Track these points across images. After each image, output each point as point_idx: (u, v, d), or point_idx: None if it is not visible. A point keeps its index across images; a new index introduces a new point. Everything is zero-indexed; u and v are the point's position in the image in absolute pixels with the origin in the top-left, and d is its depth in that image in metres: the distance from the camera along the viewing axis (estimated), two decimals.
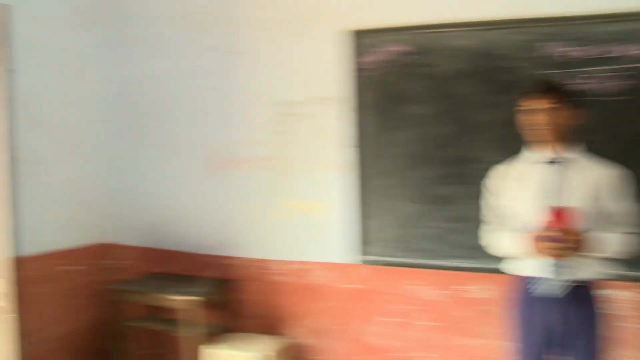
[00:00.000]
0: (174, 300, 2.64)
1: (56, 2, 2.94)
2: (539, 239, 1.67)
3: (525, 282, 1.79)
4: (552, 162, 1.75)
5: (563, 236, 1.63)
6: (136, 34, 3.15)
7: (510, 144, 1.94)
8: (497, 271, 2.04)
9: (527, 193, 1.76)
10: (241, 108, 2.88)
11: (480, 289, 2.43)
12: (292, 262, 2.76)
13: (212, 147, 2.95)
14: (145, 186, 3.16)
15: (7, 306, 2.47)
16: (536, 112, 1.74)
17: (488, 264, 2.19)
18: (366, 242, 2.55)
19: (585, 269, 1.70)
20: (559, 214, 1.66)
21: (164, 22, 3.07)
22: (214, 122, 2.94)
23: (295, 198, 2.75)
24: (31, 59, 2.76)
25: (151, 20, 3.11)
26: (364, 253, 2.56)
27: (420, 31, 2.41)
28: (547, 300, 1.71)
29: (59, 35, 2.95)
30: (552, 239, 1.63)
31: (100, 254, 3.17)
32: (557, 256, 1.65)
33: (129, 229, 3.20)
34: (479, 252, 2.13)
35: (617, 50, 2.09)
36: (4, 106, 2.44)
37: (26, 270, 2.69)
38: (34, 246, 2.76)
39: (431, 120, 2.41)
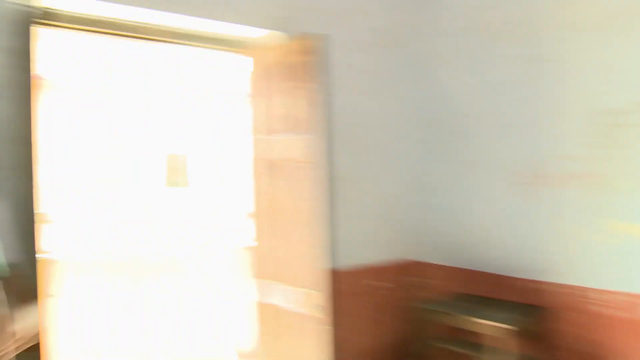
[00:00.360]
0: (482, 324, 2.96)
1: (365, 27, 3.66)
2: None
3: None
4: None
5: None
6: (438, 51, 3.68)
7: None
8: None
9: None
10: (550, 120, 3.07)
11: None
12: (616, 293, 2.82)
13: (519, 163, 3.22)
14: (451, 204, 3.62)
15: (323, 318, 3.05)
16: None
17: None
18: None
19: None
20: None
21: (464, 36, 3.51)
22: (520, 136, 3.21)
23: (621, 219, 2.81)
24: (345, 82, 3.48)
25: (451, 36, 3.59)
26: None
27: None
28: None
29: (367, 58, 3.64)
30: None
31: (406, 271, 3.77)
32: None
33: (434, 247, 3.72)
34: None
35: None
36: (324, 128, 3.10)
37: (340, 284, 3.50)
38: (346, 260, 3.47)
39: None
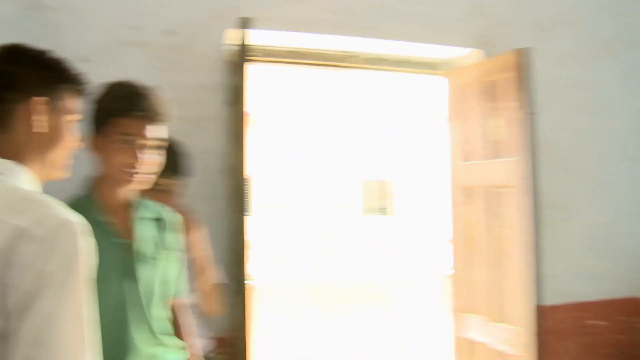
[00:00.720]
0: None
1: (570, 38, 3.35)
2: None
3: None
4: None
5: None
6: None
7: None
8: None
9: None
10: None
11: None
12: None
13: None
14: None
15: (527, 356, 2.79)
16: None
17: None
18: None
19: None
20: None
21: None
22: None
23: None
24: (549, 99, 3.18)
25: None
26: None
27: None
28: None
29: (575, 71, 3.32)
30: None
31: (629, 311, 3.33)
32: None
33: None
34: None
35: None
36: (527, 149, 2.82)
37: (547, 320, 3.16)
38: (554, 295, 3.16)
39: None
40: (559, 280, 3.21)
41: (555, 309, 3.20)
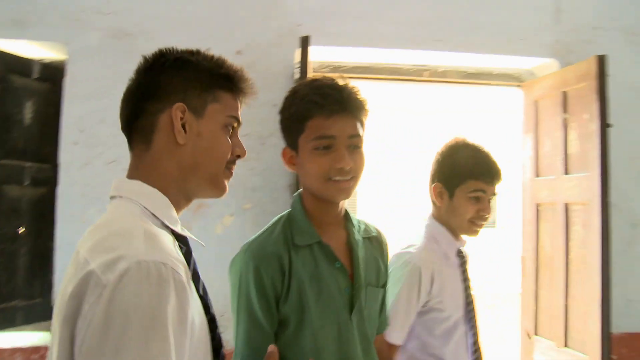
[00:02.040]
0: None
1: None
2: None
3: None
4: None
5: None
6: None
7: None
8: None
9: None
10: None
11: None
12: None
13: None
14: None
15: None
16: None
17: None
18: None
19: None
20: None
21: None
22: None
23: None
24: (629, 109, 3.05)
25: None
26: None
27: None
28: None
29: None
30: None
31: None
32: None
33: None
34: None
35: None
36: (600, 164, 2.63)
37: (623, 348, 2.98)
38: (635, 322, 3.03)
39: None
40: (632, 306, 3.01)
41: (635, 336, 2.99)
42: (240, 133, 2.53)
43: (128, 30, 2.78)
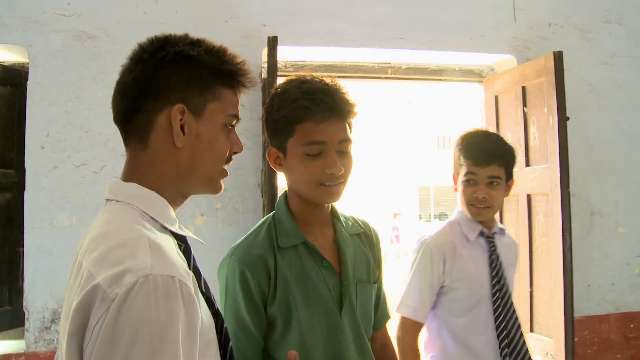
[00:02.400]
0: None
1: (617, 37, 3.27)
2: None
3: None
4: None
5: None
6: None
7: None
8: None
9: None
10: None
11: None
12: None
13: None
14: None
15: None
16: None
17: None
18: None
19: None
20: None
21: None
22: None
23: None
24: (595, 101, 3.17)
25: None
26: None
27: None
28: None
29: (621, 71, 3.25)
30: None
31: None
32: None
33: None
34: None
35: None
36: (559, 156, 2.73)
37: (591, 331, 3.13)
38: (600, 306, 3.15)
39: None
40: (605, 289, 3.17)
41: (601, 319, 3.15)
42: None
43: (91, 32, 2.76)
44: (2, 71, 2.74)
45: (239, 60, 1.00)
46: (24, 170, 2.70)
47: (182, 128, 0.93)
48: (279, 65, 3.08)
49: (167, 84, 0.93)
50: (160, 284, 0.78)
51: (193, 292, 0.82)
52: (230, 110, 0.99)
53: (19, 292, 2.70)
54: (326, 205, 1.37)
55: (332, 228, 1.40)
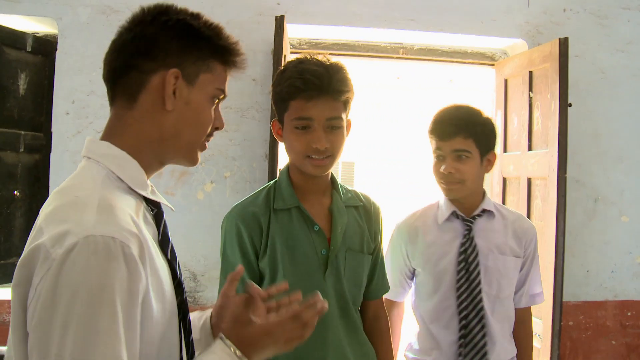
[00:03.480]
0: None
1: (634, 23, 3.26)
2: None
3: None
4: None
5: None
6: None
7: None
8: None
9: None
10: None
11: None
12: None
13: None
14: None
15: (545, 348, 2.83)
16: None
17: None
18: None
19: None
20: None
21: None
22: None
23: None
24: (608, 88, 3.20)
25: None
26: None
27: None
28: None
29: (630, 60, 3.25)
30: None
31: None
32: None
33: None
34: None
35: None
36: (559, 141, 2.77)
37: (587, 317, 3.20)
38: (598, 292, 3.22)
39: None
40: (604, 276, 3.23)
41: (598, 305, 3.21)
42: (221, 106, 2.76)
43: (115, 7, 2.97)
44: (35, 41, 2.98)
45: (234, 40, 1.04)
46: (51, 133, 2.96)
47: (174, 92, 0.96)
48: (294, 42, 3.24)
49: (166, 47, 0.96)
50: (101, 244, 0.79)
51: (136, 254, 0.82)
52: (220, 84, 1.03)
53: None
54: (323, 175, 1.51)
55: (329, 198, 1.53)
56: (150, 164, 0.99)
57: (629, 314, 3.24)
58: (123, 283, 0.79)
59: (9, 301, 2.89)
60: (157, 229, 0.97)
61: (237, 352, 0.95)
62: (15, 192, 2.96)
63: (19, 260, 0.82)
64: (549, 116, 2.89)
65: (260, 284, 1.46)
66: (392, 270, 1.92)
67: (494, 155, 1.85)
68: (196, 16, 1.00)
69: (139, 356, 0.84)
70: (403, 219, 1.95)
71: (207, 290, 3.02)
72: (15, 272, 0.82)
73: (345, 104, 1.46)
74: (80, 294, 0.76)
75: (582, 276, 3.20)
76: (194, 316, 1.13)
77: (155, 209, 0.99)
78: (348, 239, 1.52)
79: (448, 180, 1.80)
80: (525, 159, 3.08)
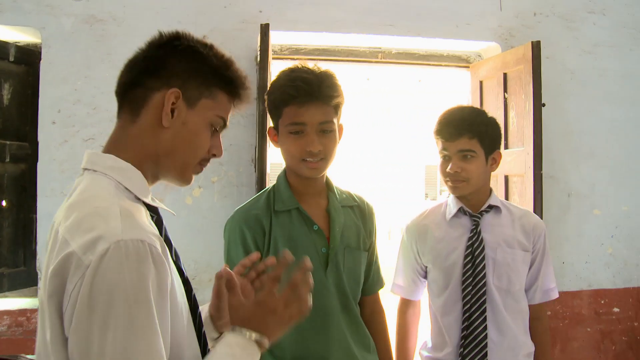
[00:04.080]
0: None
1: (601, 27, 3.44)
2: None
3: None
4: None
5: None
6: None
7: None
8: None
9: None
10: None
11: None
12: None
13: None
14: None
15: None
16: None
17: None
18: None
19: None
20: None
21: None
22: None
23: None
24: (578, 89, 3.36)
25: None
26: None
27: None
28: None
29: (604, 60, 3.42)
30: None
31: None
32: None
33: None
34: None
35: None
36: (533, 140, 2.93)
37: (563, 306, 3.37)
38: (573, 282, 3.39)
39: None
40: (578, 267, 3.39)
41: (573, 294, 3.38)
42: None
43: (99, 16, 3.01)
44: (18, 51, 3.00)
45: (243, 74, 1.10)
46: (37, 143, 2.99)
47: (172, 111, 1.02)
48: (275, 48, 3.32)
49: (171, 68, 1.03)
50: (131, 248, 0.84)
51: (162, 253, 0.89)
52: (220, 112, 1.08)
53: (33, 254, 3.01)
54: (319, 178, 1.61)
55: (326, 199, 1.64)
56: (149, 176, 1.06)
57: (602, 302, 3.42)
58: (154, 281, 0.86)
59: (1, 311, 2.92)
60: (159, 233, 1.02)
61: (253, 335, 1.03)
62: (2, 202, 2.98)
63: (51, 271, 0.86)
64: (524, 115, 3.04)
65: None
66: (404, 269, 2.02)
67: (499, 154, 1.93)
68: (209, 46, 1.07)
69: (173, 346, 0.92)
70: (411, 220, 2.03)
71: (198, 293, 3.04)
72: (48, 283, 0.86)
73: (336, 109, 1.55)
74: (117, 294, 0.82)
75: (558, 267, 3.36)
76: None
77: (155, 216, 1.05)
78: (345, 237, 1.61)
79: (454, 179, 1.86)
80: (503, 157, 3.21)
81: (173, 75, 1.02)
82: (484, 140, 1.85)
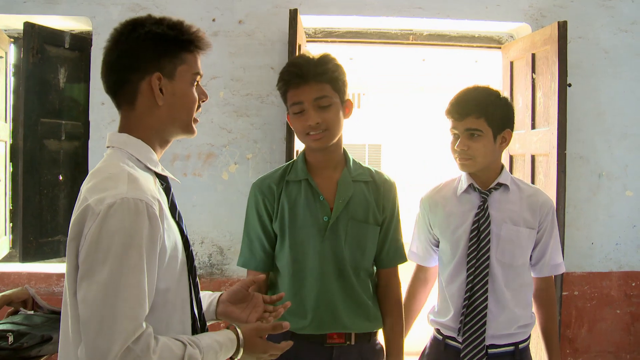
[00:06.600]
0: None
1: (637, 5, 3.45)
2: None
3: None
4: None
5: None
6: None
7: None
8: None
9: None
10: None
11: None
12: None
13: None
14: None
15: None
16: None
17: None
18: None
19: None
20: None
21: None
22: None
23: None
24: (612, 68, 3.40)
25: None
26: None
27: None
28: None
29: (635, 39, 3.44)
30: None
31: None
32: None
33: None
34: None
35: None
36: (558, 120, 3.01)
37: (592, 287, 3.44)
38: (603, 263, 3.45)
39: None
40: (608, 248, 3.44)
41: (602, 275, 3.43)
42: (242, 93, 3.15)
43: (143, 4, 3.31)
44: (72, 39, 3.34)
45: (194, 29, 1.29)
46: (88, 122, 3.33)
47: (160, 90, 1.24)
48: (309, 31, 3.52)
49: (145, 58, 1.23)
50: (132, 204, 1.10)
51: (157, 212, 1.14)
52: (194, 70, 1.29)
53: None
54: (332, 153, 1.80)
55: (340, 173, 1.82)
56: (159, 145, 1.31)
57: (633, 284, 3.45)
58: (146, 232, 1.11)
59: (57, 274, 3.30)
60: (167, 198, 1.28)
61: (241, 339, 1.32)
62: (60, 176, 3.34)
63: (72, 220, 1.13)
64: (550, 96, 3.12)
65: (274, 241, 1.84)
66: (418, 238, 2.20)
67: (509, 133, 2.01)
68: (159, 21, 1.26)
69: (162, 288, 1.18)
70: (426, 193, 2.18)
71: (233, 263, 3.36)
72: (70, 230, 1.13)
73: (334, 85, 1.73)
74: (117, 238, 1.07)
75: (586, 248, 3.42)
76: (203, 294, 1.45)
77: (164, 183, 1.30)
78: (352, 209, 1.78)
79: (461, 157, 1.98)
80: (529, 137, 3.31)
81: (149, 63, 1.22)
82: (492, 119, 1.94)
